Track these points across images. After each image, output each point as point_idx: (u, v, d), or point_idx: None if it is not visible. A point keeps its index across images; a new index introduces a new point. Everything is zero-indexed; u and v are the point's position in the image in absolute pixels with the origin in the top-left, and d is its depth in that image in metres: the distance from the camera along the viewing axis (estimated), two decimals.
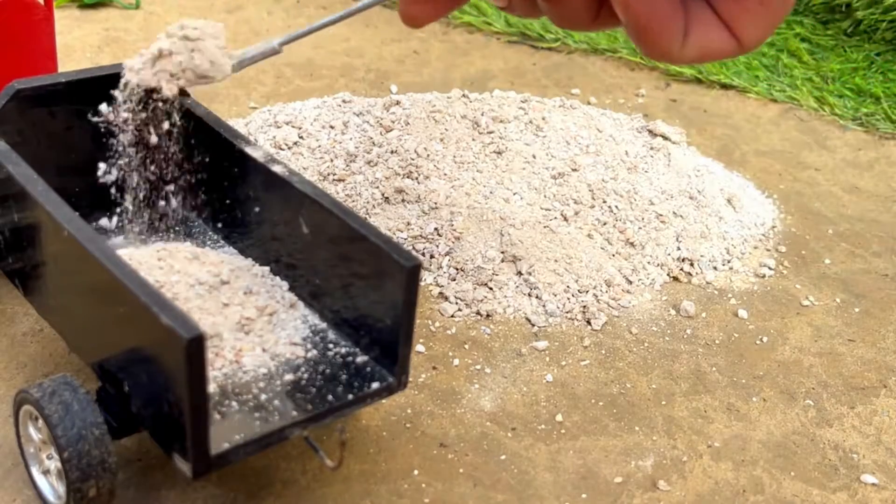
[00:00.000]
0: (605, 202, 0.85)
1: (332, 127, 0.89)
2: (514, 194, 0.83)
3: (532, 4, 0.43)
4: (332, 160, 0.85)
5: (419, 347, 0.71)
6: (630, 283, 0.80)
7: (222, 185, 0.66)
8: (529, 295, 0.76)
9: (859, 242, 0.91)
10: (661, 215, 0.84)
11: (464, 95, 0.91)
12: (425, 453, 0.62)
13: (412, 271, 0.52)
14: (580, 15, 0.42)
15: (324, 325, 0.60)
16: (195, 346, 0.45)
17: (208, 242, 0.66)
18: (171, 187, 0.65)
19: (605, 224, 0.82)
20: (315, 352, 0.57)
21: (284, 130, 0.89)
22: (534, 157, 0.87)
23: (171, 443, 0.49)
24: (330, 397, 0.54)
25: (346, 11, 0.56)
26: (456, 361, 0.70)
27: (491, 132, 0.86)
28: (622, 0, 0.39)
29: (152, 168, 0.63)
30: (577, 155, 0.88)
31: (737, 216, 0.89)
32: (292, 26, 1.25)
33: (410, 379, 0.62)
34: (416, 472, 0.61)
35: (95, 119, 0.61)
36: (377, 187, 0.81)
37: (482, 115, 0.87)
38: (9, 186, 0.57)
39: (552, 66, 1.22)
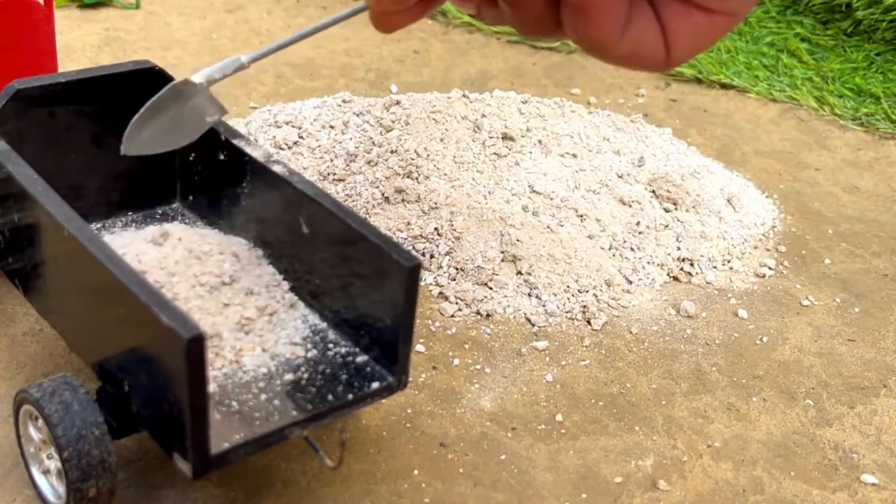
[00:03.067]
0: (604, 201, 0.85)
1: (332, 127, 0.89)
2: (514, 195, 0.83)
3: (499, 12, 0.42)
4: (332, 160, 0.85)
5: (419, 347, 0.71)
6: (630, 283, 0.80)
7: (222, 184, 0.66)
8: (529, 295, 0.76)
9: (859, 242, 0.91)
10: (661, 215, 0.84)
11: (464, 96, 0.91)
12: (425, 453, 0.62)
13: (412, 271, 0.52)
14: (542, 20, 0.40)
15: (324, 325, 0.60)
16: (195, 346, 0.45)
17: None
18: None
19: (604, 224, 0.82)
20: (315, 352, 0.57)
21: (284, 130, 0.89)
22: (533, 157, 0.87)
23: (171, 443, 0.49)
24: (330, 397, 0.54)
25: (313, 27, 0.55)
26: (456, 361, 0.70)
27: (494, 144, 0.86)
28: None
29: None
30: (577, 155, 0.88)
31: (737, 216, 0.89)
32: (292, 26, 1.25)
33: (410, 379, 0.62)
34: (416, 472, 0.61)
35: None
36: (377, 187, 0.81)
37: (488, 133, 0.87)
38: (9, 186, 0.57)
39: (552, 65, 1.22)
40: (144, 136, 0.52)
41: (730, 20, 0.39)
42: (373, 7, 0.46)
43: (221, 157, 0.64)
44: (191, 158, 0.69)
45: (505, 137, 0.87)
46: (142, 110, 0.52)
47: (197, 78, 0.53)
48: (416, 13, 0.46)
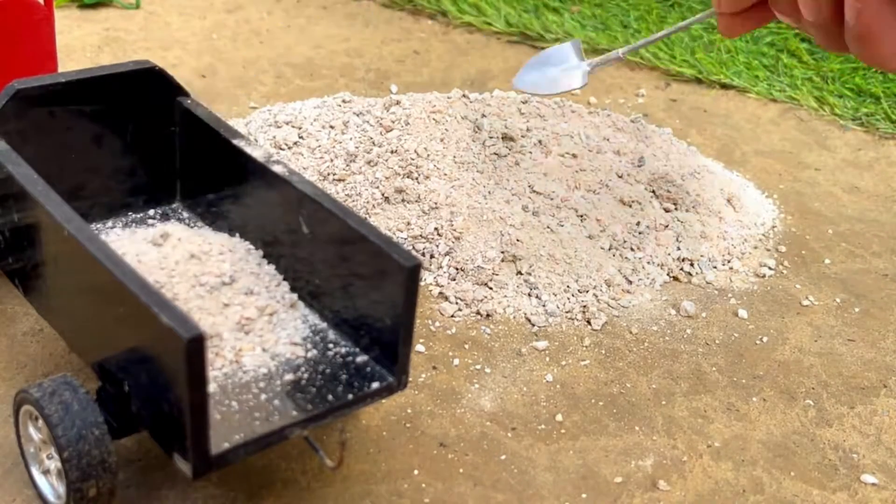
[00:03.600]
0: (604, 201, 0.85)
1: (332, 127, 0.89)
2: (514, 195, 0.83)
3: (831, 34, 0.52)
4: (332, 160, 0.85)
5: (419, 347, 0.71)
6: (630, 283, 0.80)
7: (222, 184, 0.66)
8: (529, 295, 0.76)
9: (859, 242, 0.91)
10: (662, 214, 0.84)
11: (464, 96, 0.91)
12: (425, 453, 0.62)
13: (412, 271, 0.52)
14: (839, 40, 0.50)
15: (324, 325, 0.60)
16: (195, 346, 0.45)
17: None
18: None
19: (604, 224, 0.82)
20: (315, 352, 0.57)
21: (284, 130, 0.89)
22: (533, 157, 0.87)
23: (171, 443, 0.49)
24: (330, 397, 0.54)
25: (676, 27, 0.70)
26: (456, 361, 0.70)
27: (494, 144, 0.86)
28: (855, 7, 0.46)
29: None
30: (577, 155, 0.88)
31: (737, 216, 0.89)
32: (292, 26, 1.25)
33: (410, 379, 0.62)
34: (416, 472, 0.61)
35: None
36: (377, 187, 0.81)
37: (488, 133, 0.87)
38: (9, 186, 0.57)
39: None
40: (531, 77, 0.72)
41: None
42: (717, 11, 0.59)
43: (221, 157, 0.65)
44: (191, 159, 0.69)
45: (505, 137, 0.87)
46: (539, 55, 0.73)
47: (615, 53, 0.72)
48: (754, 21, 0.59)
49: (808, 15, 0.51)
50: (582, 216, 0.82)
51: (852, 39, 0.48)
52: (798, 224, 0.93)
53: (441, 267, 0.77)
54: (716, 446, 0.66)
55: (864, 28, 0.47)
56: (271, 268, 0.62)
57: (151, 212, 0.70)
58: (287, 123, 0.90)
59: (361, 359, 0.57)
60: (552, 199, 0.83)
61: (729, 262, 0.85)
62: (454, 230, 0.78)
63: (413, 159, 0.82)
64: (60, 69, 0.74)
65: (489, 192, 0.82)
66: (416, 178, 0.82)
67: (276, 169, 0.60)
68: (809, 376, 0.73)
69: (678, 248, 0.83)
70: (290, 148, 0.87)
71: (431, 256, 0.78)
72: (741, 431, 0.67)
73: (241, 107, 1.03)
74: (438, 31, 1.29)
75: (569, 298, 0.77)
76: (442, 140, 0.85)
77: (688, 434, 0.66)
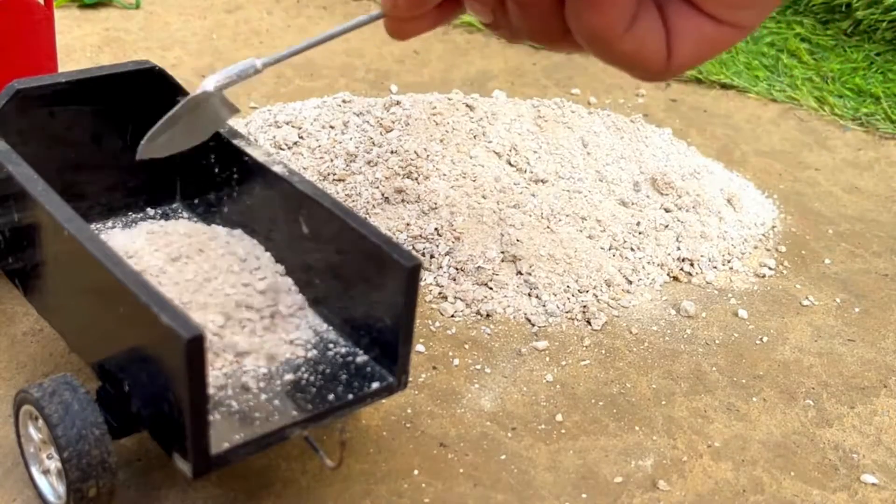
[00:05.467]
0: (604, 202, 0.85)
1: (332, 127, 0.89)
2: (514, 195, 0.83)
3: (510, 20, 0.41)
4: (332, 160, 0.85)
5: (419, 347, 0.71)
6: (630, 283, 0.80)
7: (222, 184, 0.66)
8: (529, 295, 0.76)
9: (859, 242, 0.91)
10: (662, 215, 0.84)
11: (465, 97, 0.91)
12: (425, 453, 0.62)
13: (412, 271, 0.52)
14: (549, 21, 0.39)
15: (324, 325, 0.60)
16: (195, 346, 0.45)
17: None
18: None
19: (604, 224, 0.82)
20: (315, 352, 0.57)
21: (284, 130, 0.89)
22: (533, 157, 0.87)
23: (171, 443, 0.49)
24: (330, 397, 0.54)
25: (327, 34, 0.53)
26: (456, 361, 0.70)
27: (494, 145, 0.86)
28: (580, 17, 0.36)
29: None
30: (577, 155, 0.88)
31: (737, 216, 0.89)
32: (292, 26, 1.25)
33: (410, 379, 0.62)
34: (416, 472, 0.61)
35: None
36: (377, 187, 0.81)
37: (488, 134, 0.87)
38: (9, 186, 0.57)
39: (552, 66, 1.22)
40: (160, 142, 0.53)
41: (737, 32, 0.38)
42: (388, 14, 0.47)
43: (221, 157, 0.64)
44: (191, 158, 0.69)
45: (505, 138, 0.87)
46: (158, 124, 0.52)
47: (209, 84, 0.53)
48: (430, 22, 0.47)
49: None
50: (582, 216, 0.82)
51: (577, 6, 0.37)
52: (798, 224, 0.93)
53: (441, 267, 0.77)
54: (716, 446, 0.66)
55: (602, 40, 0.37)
56: (271, 268, 0.62)
57: (151, 212, 0.70)
58: (287, 123, 0.90)
59: (361, 359, 0.57)
60: (552, 199, 0.83)
61: (729, 262, 0.85)
62: (454, 230, 0.78)
63: (413, 160, 0.82)
64: (60, 69, 0.74)
65: (489, 193, 0.82)
66: (416, 179, 0.82)
67: (276, 169, 0.60)
68: (809, 376, 0.73)
69: (678, 248, 0.83)
70: (290, 148, 0.87)
71: (431, 256, 0.78)
72: (741, 431, 0.67)
73: (241, 107, 1.03)
74: (438, 31, 1.29)
75: (569, 298, 0.77)
76: (442, 140, 0.85)
77: (688, 434, 0.66)
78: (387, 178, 0.82)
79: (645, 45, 0.37)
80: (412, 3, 0.45)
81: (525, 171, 0.85)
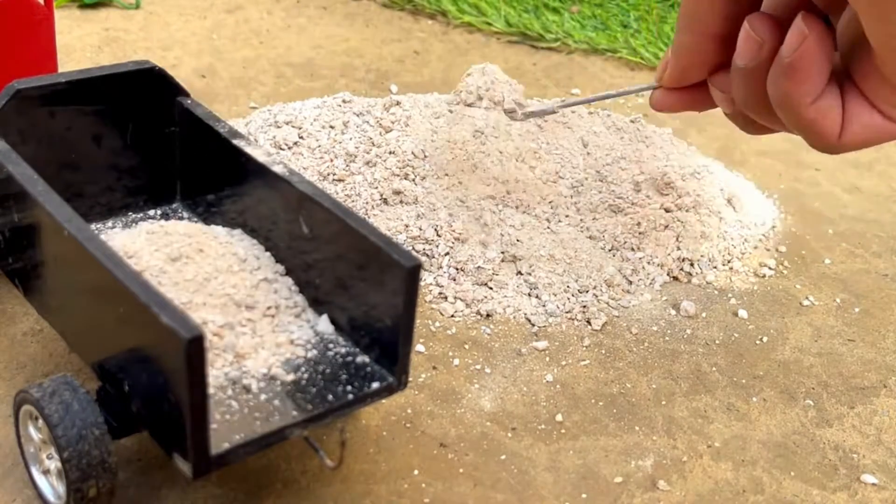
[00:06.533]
0: (605, 202, 0.85)
1: (332, 127, 0.89)
2: (514, 195, 0.83)
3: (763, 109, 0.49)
4: (332, 160, 0.85)
5: (419, 347, 0.71)
6: (630, 283, 0.80)
7: (222, 184, 0.66)
8: (529, 295, 0.76)
9: (859, 242, 0.91)
10: (662, 215, 0.84)
11: (466, 105, 0.91)
12: (425, 453, 0.62)
13: (412, 271, 0.52)
14: (758, 96, 0.47)
15: (324, 325, 0.59)
16: (195, 346, 0.45)
17: None
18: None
19: (605, 224, 0.82)
20: (315, 352, 0.57)
21: (284, 130, 0.89)
22: (533, 158, 0.87)
23: (171, 443, 0.49)
24: (330, 397, 0.54)
25: (616, 92, 0.67)
26: (456, 361, 0.70)
27: (494, 144, 0.86)
28: (801, 34, 0.43)
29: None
30: (577, 156, 0.88)
31: (737, 216, 0.89)
32: (292, 26, 1.25)
33: (410, 379, 0.62)
34: (416, 472, 0.61)
35: None
36: (376, 188, 0.81)
37: (488, 134, 0.87)
38: (9, 186, 0.57)
39: (552, 66, 1.22)
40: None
41: None
42: (657, 84, 0.59)
43: (221, 157, 0.65)
44: (191, 158, 0.69)
45: (505, 138, 0.87)
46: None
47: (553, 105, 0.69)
48: (694, 101, 0.57)
49: (743, 56, 0.47)
50: (582, 217, 0.82)
51: (778, 75, 0.45)
52: (798, 224, 0.93)
53: (441, 267, 0.77)
54: (716, 446, 0.66)
55: (800, 58, 0.43)
56: (271, 267, 0.62)
57: (151, 212, 0.70)
58: (287, 123, 0.90)
59: (361, 359, 0.57)
60: (552, 199, 0.83)
61: (729, 262, 0.85)
62: (453, 231, 0.78)
63: (410, 160, 0.82)
64: (60, 69, 0.74)
65: (489, 193, 0.82)
66: (413, 180, 0.81)
67: (276, 169, 0.60)
68: (809, 376, 0.73)
69: (678, 248, 0.83)
70: (290, 148, 0.87)
71: (431, 257, 0.78)
72: (741, 431, 0.67)
73: (241, 107, 1.03)
74: (438, 31, 1.29)
75: (569, 298, 0.77)
76: (441, 141, 0.85)
77: (688, 434, 0.66)
78: (385, 178, 0.82)
79: (825, 118, 0.44)
80: (675, 76, 0.56)
81: (525, 172, 0.85)
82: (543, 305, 0.76)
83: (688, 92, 0.57)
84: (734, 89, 0.50)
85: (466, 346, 0.72)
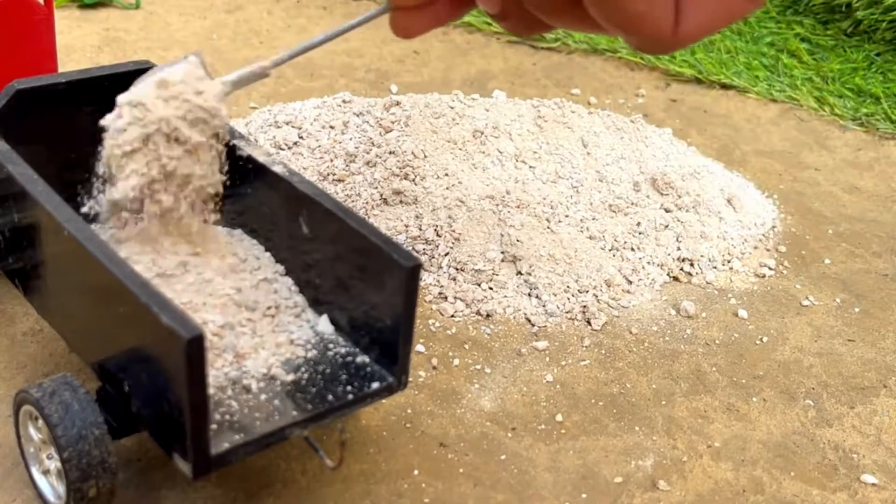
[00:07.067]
0: (604, 202, 0.85)
1: (332, 127, 0.89)
2: (514, 196, 0.83)
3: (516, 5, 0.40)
4: (331, 160, 0.85)
5: (419, 347, 0.71)
6: (630, 283, 0.80)
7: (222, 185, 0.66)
8: (529, 295, 0.76)
9: (859, 242, 0.91)
10: (662, 215, 0.84)
11: (465, 97, 0.91)
12: (425, 453, 0.62)
13: (412, 271, 0.52)
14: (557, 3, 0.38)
15: (324, 325, 0.59)
16: (195, 346, 0.45)
17: None
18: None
19: (605, 224, 0.82)
20: (315, 352, 0.57)
21: (284, 130, 0.89)
22: (533, 158, 0.87)
23: (171, 443, 0.49)
24: (330, 397, 0.54)
25: (334, 31, 0.56)
26: (456, 361, 0.70)
27: (494, 145, 0.86)
28: None
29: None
30: (576, 156, 0.88)
31: (737, 216, 0.89)
32: (292, 26, 1.25)
33: (410, 379, 0.62)
34: (416, 472, 0.61)
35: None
36: (376, 188, 0.81)
37: (488, 134, 0.87)
38: (9, 186, 0.57)
39: (552, 66, 1.22)
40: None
41: (748, 4, 0.36)
42: (395, 5, 0.46)
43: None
44: None
45: (505, 138, 0.87)
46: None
47: (223, 87, 0.56)
48: (435, 17, 0.46)
49: None
50: (582, 217, 0.82)
51: (614, 23, 0.37)
52: (798, 224, 0.93)
53: (441, 267, 0.77)
54: (716, 446, 0.66)
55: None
56: (272, 267, 0.62)
57: None
58: (287, 123, 0.90)
59: (361, 359, 0.57)
60: (553, 199, 0.83)
61: (729, 262, 0.85)
62: (453, 231, 0.78)
63: (410, 161, 0.82)
64: (60, 69, 0.74)
65: (489, 194, 0.82)
66: (414, 180, 0.81)
67: (276, 169, 0.60)
68: (809, 376, 0.73)
69: (678, 248, 0.83)
70: (290, 148, 0.87)
71: (431, 257, 0.78)
72: (741, 431, 0.67)
73: (241, 107, 1.03)
74: (438, 31, 1.29)
75: (569, 298, 0.77)
76: (441, 141, 0.85)
77: (688, 434, 0.66)
78: (385, 178, 0.82)
79: (653, 8, 0.36)
80: None
81: (525, 172, 0.85)
82: (543, 305, 0.76)
83: (428, 6, 0.46)
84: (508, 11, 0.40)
85: (466, 346, 0.72)
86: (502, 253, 0.78)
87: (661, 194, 0.87)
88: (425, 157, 0.83)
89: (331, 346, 0.58)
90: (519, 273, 0.77)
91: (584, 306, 0.77)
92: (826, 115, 1.16)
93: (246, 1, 1.32)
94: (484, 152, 0.85)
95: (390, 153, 0.83)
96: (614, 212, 0.84)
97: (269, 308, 0.59)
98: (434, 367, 0.69)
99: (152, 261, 0.59)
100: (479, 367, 0.70)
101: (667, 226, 0.84)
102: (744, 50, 1.28)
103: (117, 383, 0.52)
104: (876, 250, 0.90)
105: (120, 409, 0.53)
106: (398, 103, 0.89)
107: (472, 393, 0.68)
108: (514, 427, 0.65)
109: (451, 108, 0.89)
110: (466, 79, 1.16)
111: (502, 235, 0.78)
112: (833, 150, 1.08)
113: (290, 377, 0.55)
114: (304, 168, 0.85)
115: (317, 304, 0.60)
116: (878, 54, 1.30)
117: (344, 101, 0.94)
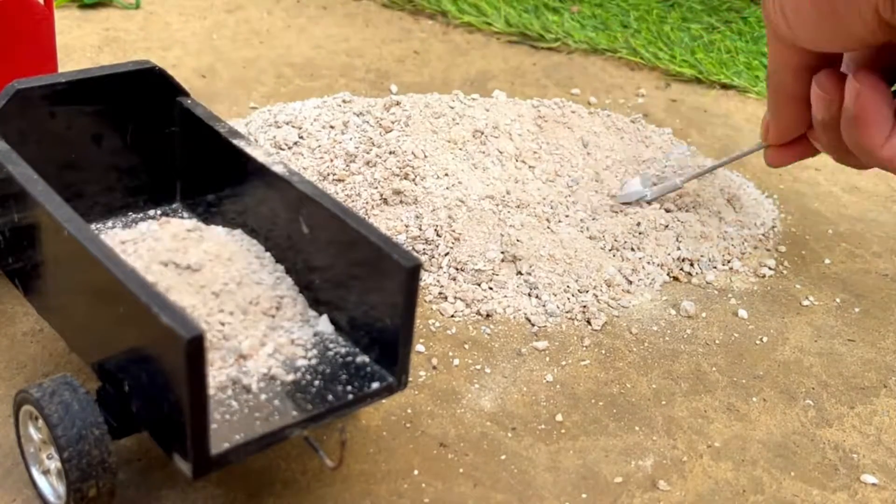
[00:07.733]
0: (604, 202, 0.85)
1: (332, 127, 0.89)
2: (514, 196, 0.83)
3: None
4: (331, 160, 0.85)
5: (419, 347, 0.71)
6: (630, 283, 0.80)
7: (222, 184, 0.66)
8: (529, 295, 0.76)
9: (859, 242, 0.91)
10: (662, 215, 0.84)
11: (465, 97, 0.91)
12: (425, 453, 0.62)
13: (412, 271, 0.52)
14: (839, 143, 0.61)
15: (324, 325, 0.60)
16: (195, 346, 0.45)
17: None
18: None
19: (604, 224, 0.82)
20: (315, 352, 0.57)
21: (284, 130, 0.89)
22: (533, 158, 0.87)
23: (171, 443, 0.49)
24: (330, 397, 0.54)
25: (728, 158, 0.82)
26: (456, 361, 0.70)
27: (494, 145, 0.86)
28: (854, 88, 0.51)
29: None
30: (576, 156, 0.88)
31: (737, 216, 0.89)
32: (292, 26, 1.25)
33: (410, 379, 0.62)
34: (416, 472, 0.61)
35: None
36: (376, 188, 0.81)
37: (488, 135, 0.87)
38: (9, 186, 0.57)
39: (552, 66, 1.22)
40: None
41: None
42: (768, 145, 0.69)
43: (221, 157, 0.65)
44: (191, 159, 0.69)
45: (505, 138, 0.87)
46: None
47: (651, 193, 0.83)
48: (802, 152, 0.67)
49: (818, 112, 0.56)
50: (582, 217, 0.82)
51: (847, 125, 0.53)
52: (798, 224, 0.93)
53: (441, 267, 0.77)
54: (716, 446, 0.66)
55: (860, 109, 0.51)
56: (271, 267, 0.62)
57: (151, 212, 0.70)
58: (287, 123, 0.90)
59: (361, 359, 0.57)
60: (553, 199, 0.83)
61: (729, 262, 0.85)
62: (453, 231, 0.78)
63: (410, 161, 0.82)
64: (60, 69, 0.74)
65: (489, 194, 0.82)
66: (414, 180, 0.81)
67: (276, 169, 0.60)
68: (809, 376, 0.73)
69: (678, 248, 0.83)
70: (290, 148, 0.87)
71: (431, 257, 0.78)
72: (741, 431, 0.67)
73: (241, 107, 1.03)
74: (438, 31, 1.29)
75: (569, 298, 0.77)
76: (441, 141, 0.85)
77: (688, 434, 0.66)
78: (385, 178, 0.82)
79: (878, 129, 0.52)
80: (778, 135, 0.66)
81: (525, 171, 0.85)
82: (543, 305, 0.76)
83: (795, 145, 0.66)
84: (819, 140, 0.58)
85: (466, 346, 0.72)
86: (502, 253, 0.78)
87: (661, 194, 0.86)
88: (425, 157, 0.83)
89: (331, 346, 0.58)
90: (519, 273, 0.77)
91: (584, 306, 0.77)
92: None
93: (246, 1, 1.32)
94: (484, 152, 0.85)
95: (390, 153, 0.83)
96: (614, 212, 0.84)
97: (269, 308, 0.59)
98: (434, 367, 0.69)
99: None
100: (479, 367, 0.70)
101: (667, 226, 0.84)
102: (744, 50, 1.28)
103: (117, 383, 0.52)
104: (876, 250, 0.90)
105: (120, 409, 0.53)
106: (398, 103, 0.89)
107: (472, 393, 0.68)
108: (514, 427, 0.65)
109: (452, 108, 0.89)
110: (466, 79, 1.16)
111: (502, 235, 0.78)
112: None
113: (290, 377, 0.55)
114: (304, 168, 0.85)
115: (317, 304, 0.60)
116: None
117: (344, 101, 0.94)
